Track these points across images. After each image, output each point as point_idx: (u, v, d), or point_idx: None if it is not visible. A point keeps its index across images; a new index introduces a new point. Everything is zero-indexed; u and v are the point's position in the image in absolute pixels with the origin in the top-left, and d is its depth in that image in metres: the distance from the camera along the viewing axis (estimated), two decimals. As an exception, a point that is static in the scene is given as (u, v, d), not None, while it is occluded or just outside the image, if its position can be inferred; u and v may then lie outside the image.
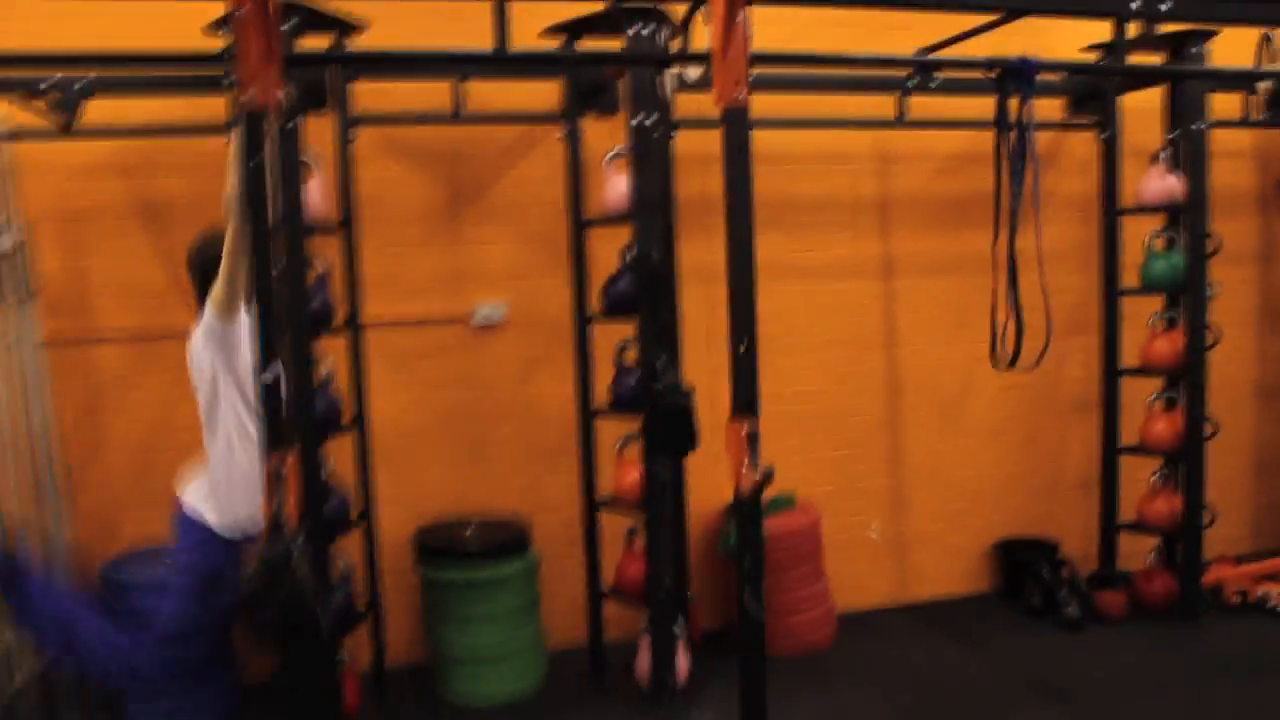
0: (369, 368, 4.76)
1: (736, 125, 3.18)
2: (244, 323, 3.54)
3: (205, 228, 3.75)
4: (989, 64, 3.54)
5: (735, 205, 3.20)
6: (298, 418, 3.99)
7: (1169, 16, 3.82)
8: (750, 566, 3.28)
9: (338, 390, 4.56)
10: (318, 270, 4.39)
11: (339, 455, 4.60)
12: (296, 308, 4.11)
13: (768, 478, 3.17)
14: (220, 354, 3.54)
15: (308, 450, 4.15)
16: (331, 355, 4.50)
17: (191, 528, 3.66)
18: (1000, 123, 3.63)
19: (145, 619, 3.75)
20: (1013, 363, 3.72)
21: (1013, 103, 3.60)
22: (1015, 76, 3.52)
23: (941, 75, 4.97)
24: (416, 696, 4.84)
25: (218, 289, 3.42)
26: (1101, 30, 5.19)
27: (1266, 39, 5.27)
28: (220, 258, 3.44)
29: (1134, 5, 3.66)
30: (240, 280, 3.39)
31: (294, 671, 3.65)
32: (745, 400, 3.21)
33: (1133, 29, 4.93)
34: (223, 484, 3.66)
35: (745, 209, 3.20)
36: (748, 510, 3.23)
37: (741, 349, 3.20)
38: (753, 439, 3.18)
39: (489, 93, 4.92)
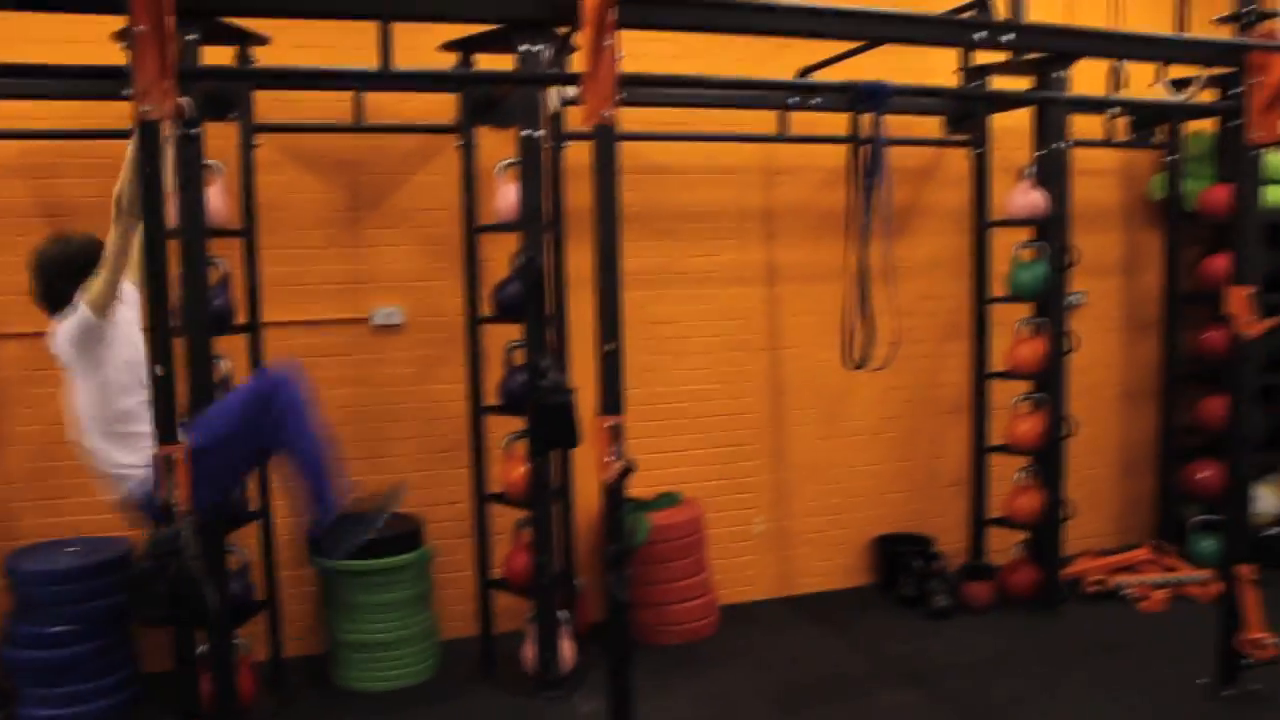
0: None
1: (605, 141, 3.43)
2: (122, 318, 3.67)
3: (51, 234, 3.87)
4: (844, 88, 3.81)
5: (603, 215, 3.44)
6: (195, 414, 4.15)
7: (1009, 47, 4.13)
8: (614, 552, 3.52)
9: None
10: (219, 272, 4.56)
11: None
12: (196, 308, 4.27)
13: (629, 469, 3.42)
14: (91, 350, 3.64)
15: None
16: (231, 355, 4.66)
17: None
18: (856, 141, 3.91)
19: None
20: (861, 364, 4.00)
21: (869, 122, 3.87)
22: (868, 98, 3.80)
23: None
24: (312, 684, 5.01)
25: (99, 287, 3.54)
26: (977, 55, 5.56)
27: (1115, 70, 5.65)
28: (74, 261, 3.59)
29: (976, 36, 3.96)
30: (119, 279, 3.54)
31: (187, 662, 3.79)
32: (611, 397, 3.45)
33: (999, 55, 5.30)
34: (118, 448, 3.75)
35: (612, 218, 3.44)
36: (611, 499, 3.48)
37: (608, 350, 3.45)
38: (616, 432, 3.42)
39: (389, 103, 5.12)
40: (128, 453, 3.73)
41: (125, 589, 4.29)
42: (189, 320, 4.13)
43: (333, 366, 5.26)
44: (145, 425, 3.57)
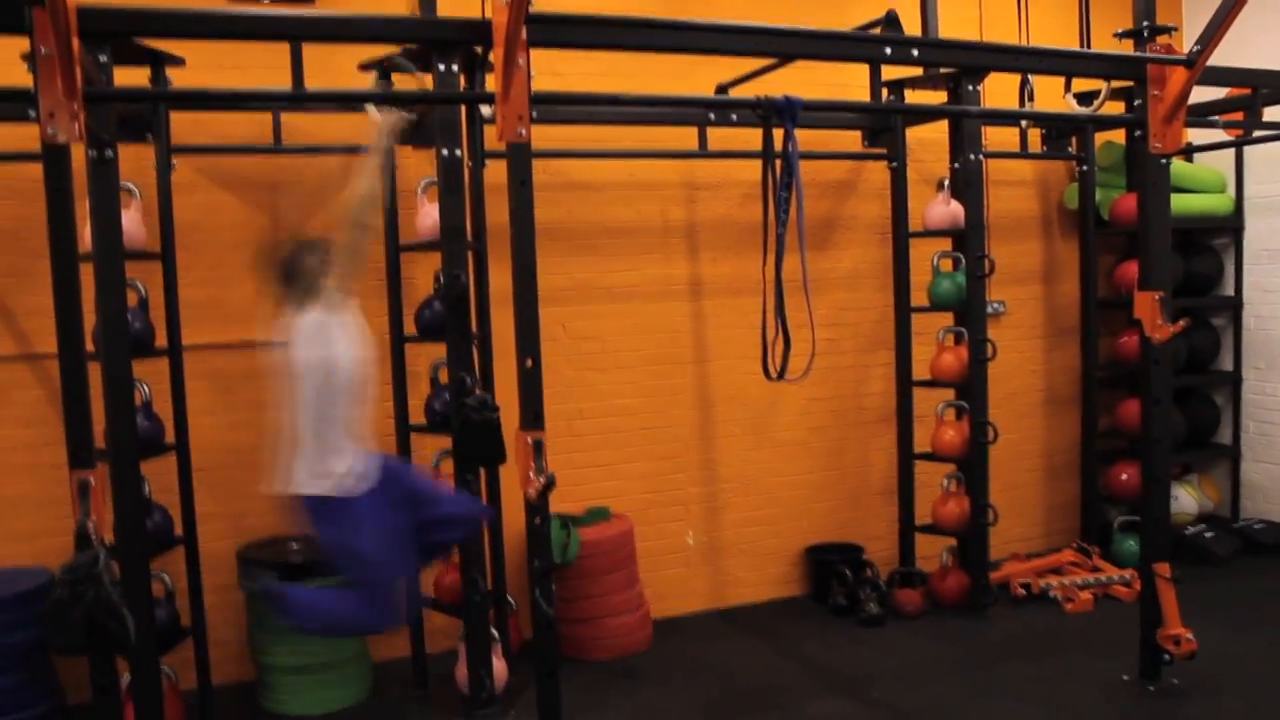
0: (191, 390, 4.86)
1: (519, 159, 3.46)
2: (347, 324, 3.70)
3: (286, 236, 3.85)
4: (756, 103, 3.87)
5: (519, 232, 3.47)
6: (116, 438, 4.10)
7: (917, 62, 4.23)
8: (539, 567, 3.53)
9: (158, 412, 4.68)
10: (137, 296, 4.51)
11: (165, 475, 4.71)
12: (114, 332, 4.21)
13: (551, 484, 3.44)
14: (322, 344, 3.65)
15: (127, 469, 4.25)
16: (151, 379, 4.62)
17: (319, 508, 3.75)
18: (770, 155, 3.96)
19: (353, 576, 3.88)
20: (780, 375, 4.04)
21: (779, 136, 3.93)
22: (780, 113, 3.86)
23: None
24: (243, 711, 4.96)
25: (331, 286, 3.59)
26: (891, 69, 5.67)
27: (1024, 87, 5.79)
28: (303, 260, 3.65)
29: (884, 52, 4.05)
30: (348, 278, 3.59)
31: (107, 692, 3.72)
32: (532, 413, 3.48)
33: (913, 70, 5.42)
34: (314, 452, 3.71)
35: (529, 235, 3.47)
36: (534, 514, 3.49)
37: (528, 366, 3.47)
38: (538, 447, 3.44)
39: (308, 124, 5.10)
40: (332, 458, 3.72)
41: (42, 619, 4.24)
42: (106, 345, 4.07)
43: (255, 390, 5.17)
44: (348, 433, 3.69)
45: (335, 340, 3.70)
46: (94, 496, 3.32)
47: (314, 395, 3.68)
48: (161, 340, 4.74)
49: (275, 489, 3.74)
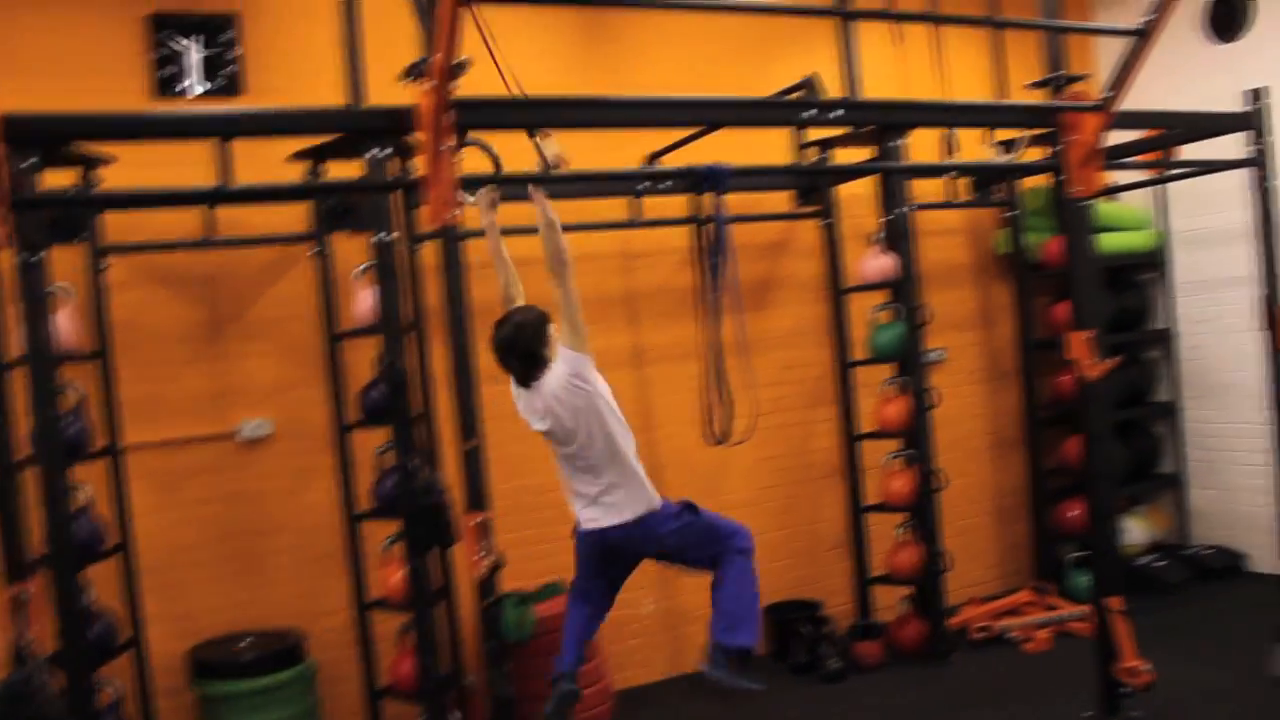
0: (133, 491, 4.81)
1: (449, 242, 3.49)
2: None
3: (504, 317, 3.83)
4: (685, 173, 3.94)
5: (452, 314, 3.49)
6: (53, 546, 4.03)
7: (839, 122, 4.33)
8: (492, 648, 3.51)
9: (99, 516, 4.60)
10: (74, 398, 4.46)
11: (107, 580, 4.63)
12: (48, 437, 4.15)
13: (499, 565, 3.43)
14: (590, 384, 3.84)
15: (66, 578, 4.17)
16: (91, 482, 4.55)
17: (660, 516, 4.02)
18: (699, 221, 4.03)
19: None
20: (723, 440, 4.08)
21: (709, 202, 4.00)
22: (707, 180, 3.92)
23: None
24: (200, 816, 4.84)
25: (573, 336, 3.78)
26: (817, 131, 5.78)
27: (947, 137, 5.92)
28: (539, 327, 3.80)
29: (805, 115, 4.14)
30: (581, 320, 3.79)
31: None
32: (475, 494, 3.47)
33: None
34: (639, 481, 3.92)
35: (461, 317, 3.49)
36: (484, 595, 3.47)
37: (468, 447, 3.47)
38: (484, 528, 3.43)
39: (242, 215, 5.10)
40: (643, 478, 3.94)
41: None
42: (41, 450, 4.02)
43: (201, 484, 5.14)
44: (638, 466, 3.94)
45: (597, 383, 3.92)
46: (33, 607, 3.26)
47: (608, 437, 3.89)
48: (101, 441, 4.68)
49: (620, 522, 3.94)
